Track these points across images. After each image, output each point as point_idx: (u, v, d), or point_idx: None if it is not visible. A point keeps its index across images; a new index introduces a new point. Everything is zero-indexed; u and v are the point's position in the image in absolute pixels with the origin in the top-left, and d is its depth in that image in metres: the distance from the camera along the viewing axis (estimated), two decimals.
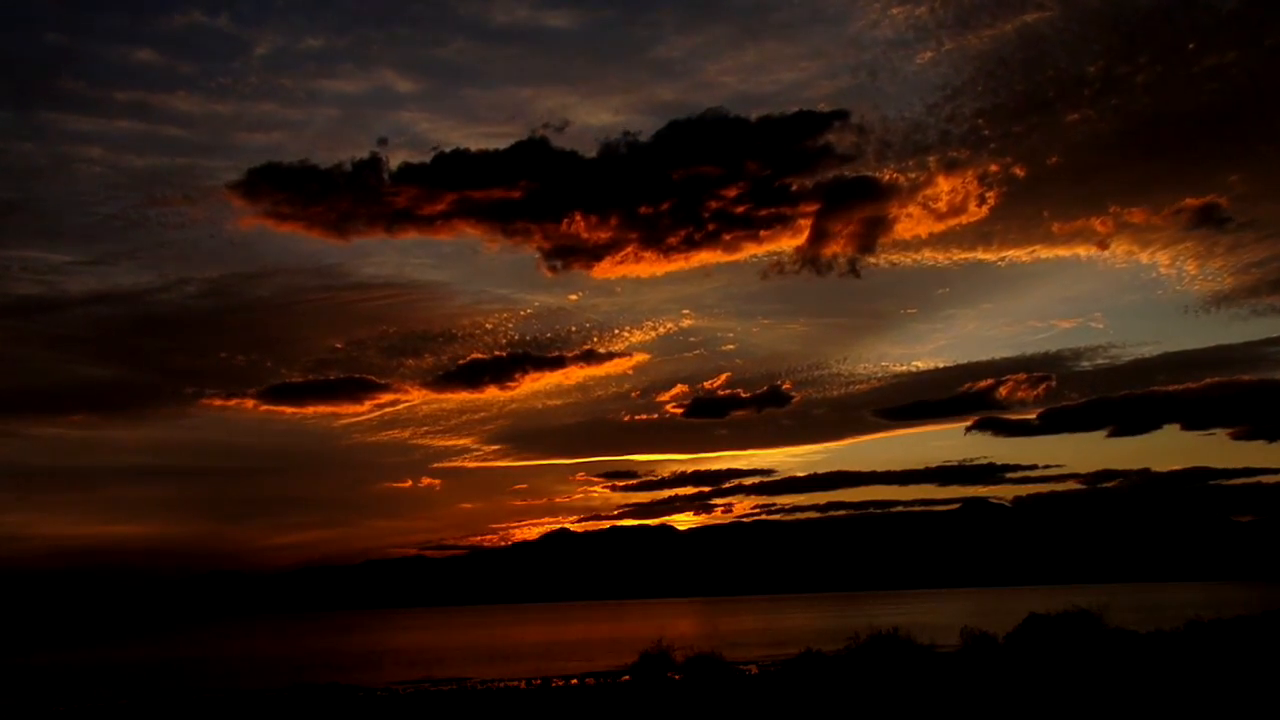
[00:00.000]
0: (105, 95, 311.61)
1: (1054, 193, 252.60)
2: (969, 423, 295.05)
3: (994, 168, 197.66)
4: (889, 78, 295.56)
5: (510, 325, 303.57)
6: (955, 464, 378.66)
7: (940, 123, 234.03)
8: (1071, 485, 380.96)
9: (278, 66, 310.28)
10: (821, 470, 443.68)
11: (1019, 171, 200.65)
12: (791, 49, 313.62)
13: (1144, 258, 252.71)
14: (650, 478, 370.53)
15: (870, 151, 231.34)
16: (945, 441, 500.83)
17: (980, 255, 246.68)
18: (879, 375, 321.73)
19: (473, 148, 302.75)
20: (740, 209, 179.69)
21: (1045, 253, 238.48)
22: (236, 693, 42.72)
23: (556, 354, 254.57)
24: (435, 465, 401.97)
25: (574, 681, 42.59)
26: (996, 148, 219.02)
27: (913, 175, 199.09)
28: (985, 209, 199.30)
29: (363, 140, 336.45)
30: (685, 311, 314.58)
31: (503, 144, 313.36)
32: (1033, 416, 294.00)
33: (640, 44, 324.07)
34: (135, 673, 66.12)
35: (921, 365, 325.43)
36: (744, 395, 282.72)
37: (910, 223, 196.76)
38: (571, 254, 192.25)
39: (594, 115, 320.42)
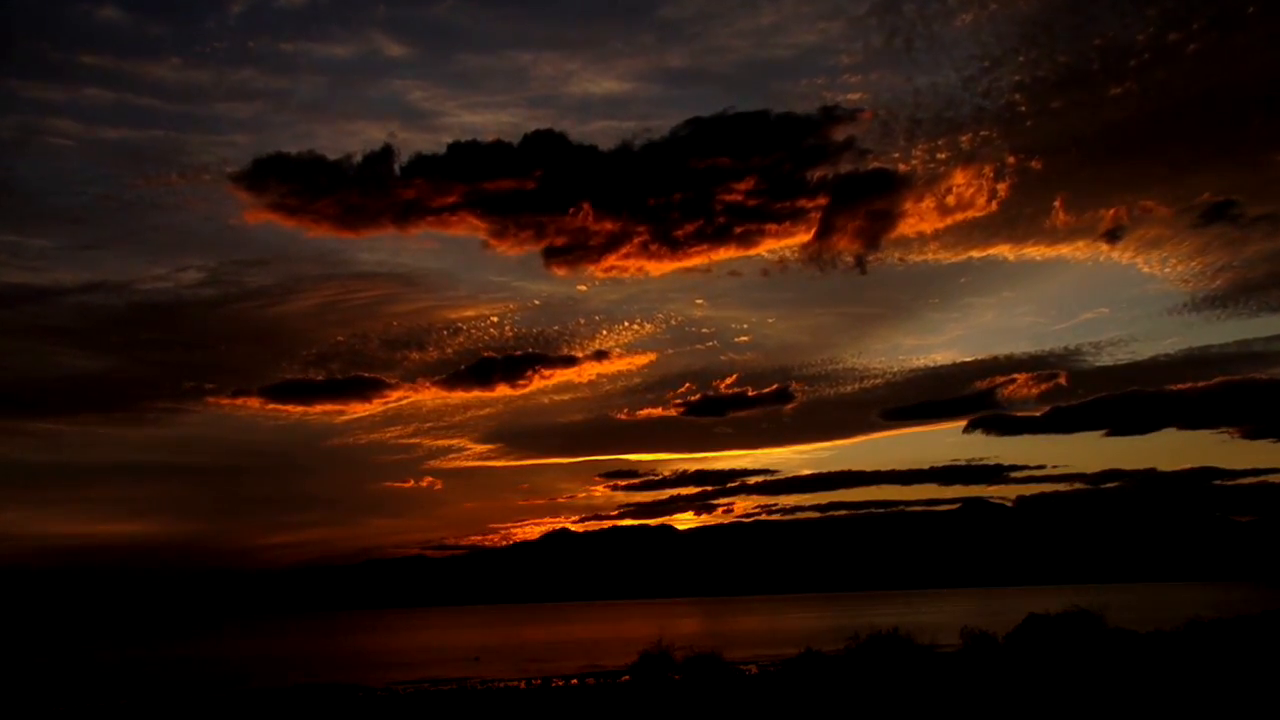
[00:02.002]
0: (70, 59, 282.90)
1: (1080, 183, 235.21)
2: (977, 420, 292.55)
3: (1011, 159, 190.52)
4: (924, 43, 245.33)
5: (518, 318, 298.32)
6: (963, 463, 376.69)
7: (975, 98, 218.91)
8: (1077, 485, 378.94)
9: (255, 27, 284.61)
10: (828, 469, 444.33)
11: (1040, 164, 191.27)
12: (811, 8, 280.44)
13: (1167, 251, 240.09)
14: (652, 477, 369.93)
15: (899, 131, 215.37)
16: (954, 439, 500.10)
17: (999, 247, 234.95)
18: (892, 370, 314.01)
19: (468, 118, 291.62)
20: (755, 202, 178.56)
21: (1066, 247, 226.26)
22: (236, 692, 42.71)
23: (563, 351, 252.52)
24: (436, 464, 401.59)
25: (574, 681, 42.59)
26: (1032, 126, 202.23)
27: (943, 156, 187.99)
28: (1004, 200, 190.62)
29: (353, 109, 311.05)
30: (699, 300, 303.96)
31: (500, 114, 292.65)
32: (1039, 414, 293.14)
33: (646, 4, 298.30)
34: (134, 673, 66.10)
35: (935, 360, 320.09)
36: (751, 394, 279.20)
37: (930, 215, 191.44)
38: (581, 247, 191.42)
39: (596, 83, 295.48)
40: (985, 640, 34.12)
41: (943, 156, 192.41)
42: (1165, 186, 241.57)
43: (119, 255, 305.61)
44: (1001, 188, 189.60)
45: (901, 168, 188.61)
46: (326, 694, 38.56)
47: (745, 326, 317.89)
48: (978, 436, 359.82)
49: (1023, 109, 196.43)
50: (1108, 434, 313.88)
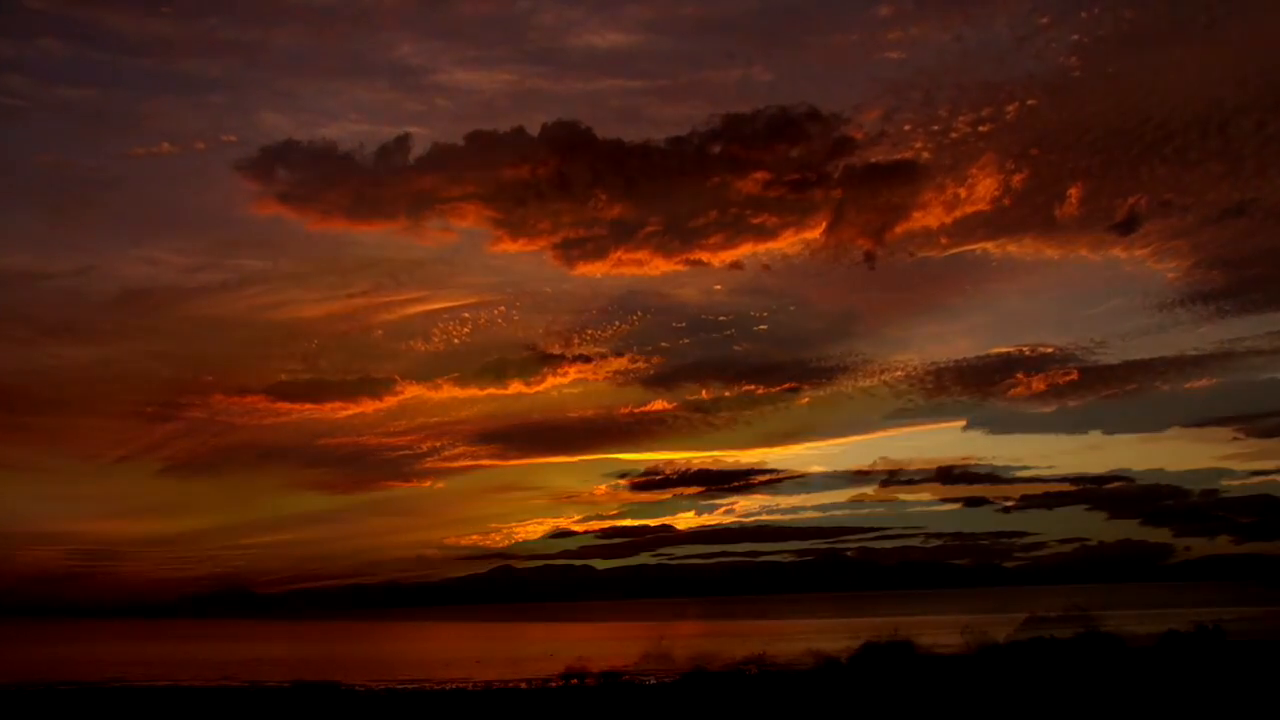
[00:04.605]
0: (15, 3, 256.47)
1: (1105, 171, 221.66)
2: (982, 419, 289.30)
3: (1035, 151, 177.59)
4: None
5: (527, 312, 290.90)
6: (973, 462, 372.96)
7: (1027, 60, 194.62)
8: (1083, 486, 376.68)
9: None
10: (835, 468, 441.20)
11: (1066, 153, 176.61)
12: None
13: (1187, 245, 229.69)
14: (655, 476, 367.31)
15: (941, 99, 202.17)
16: (960, 438, 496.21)
17: (1019, 239, 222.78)
18: (906, 366, 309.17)
19: (462, 75, 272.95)
20: (775, 194, 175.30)
21: (1085, 239, 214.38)
22: (239, 690, 42.78)
23: (573, 346, 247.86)
24: (437, 464, 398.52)
25: (573, 682, 42.59)
26: (1078, 98, 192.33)
27: (985, 129, 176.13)
28: (1028, 190, 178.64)
29: (336, 64, 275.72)
30: (713, 293, 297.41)
31: (498, 71, 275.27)
32: (1046, 412, 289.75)
33: None
34: (140, 668, 66.12)
35: (946, 356, 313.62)
36: (760, 392, 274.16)
37: (955, 205, 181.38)
38: (594, 240, 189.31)
39: (601, 35, 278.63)
40: (985, 641, 34.26)
41: (985, 130, 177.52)
42: (1193, 176, 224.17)
43: (105, 236, 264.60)
44: (1021, 178, 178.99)
45: (929, 153, 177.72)
46: (326, 692, 38.60)
47: (764, 315, 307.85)
48: (983, 435, 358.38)
49: (1076, 74, 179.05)
50: (1115, 434, 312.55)
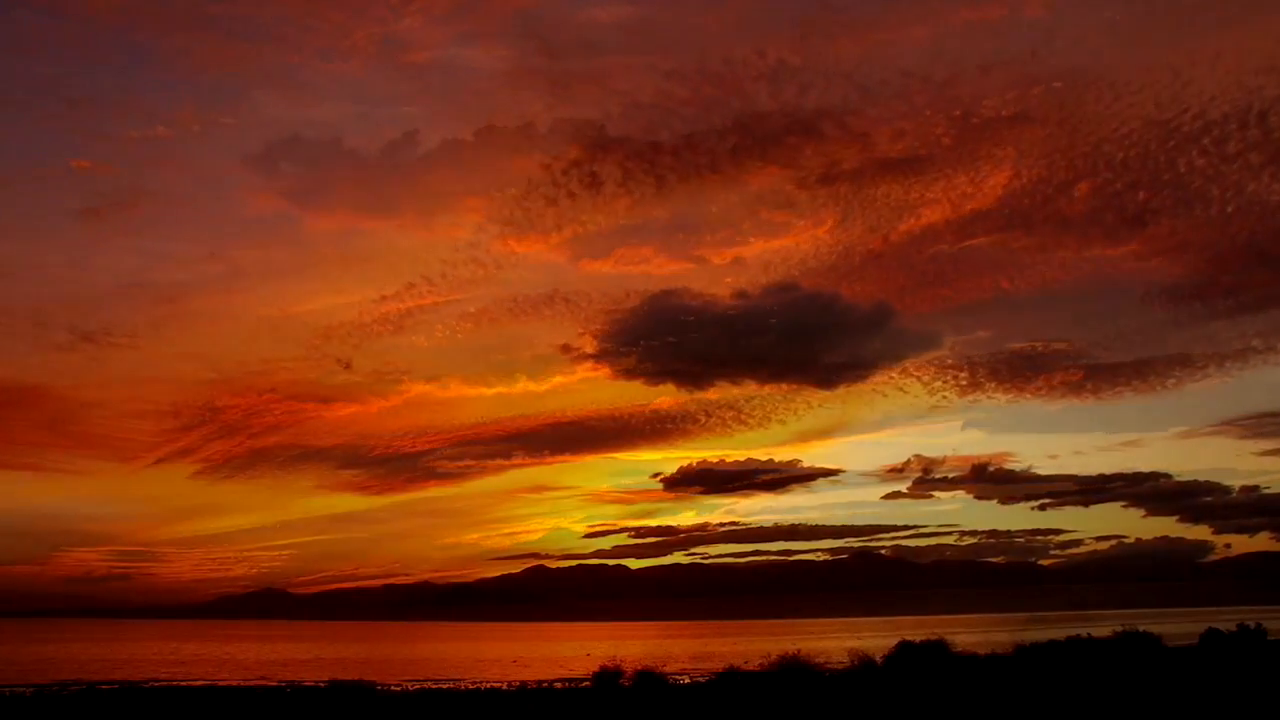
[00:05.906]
0: None
1: (1119, 166, 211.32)
2: (984, 419, 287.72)
3: (1059, 142, 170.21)
4: None
5: (532, 310, 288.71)
6: (988, 459, 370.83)
7: (1057, 42, 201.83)
8: (1087, 487, 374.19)
9: None
10: (843, 466, 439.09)
11: (1086, 145, 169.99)
12: None
13: (1198, 243, 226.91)
14: (663, 474, 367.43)
15: (965, 80, 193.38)
16: (964, 437, 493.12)
17: (1033, 233, 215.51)
18: (912, 365, 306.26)
19: (458, 51, 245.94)
20: (784, 190, 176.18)
21: (1095, 235, 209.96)
22: (276, 690, 43.21)
23: (582, 344, 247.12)
24: (445, 464, 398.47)
25: (585, 684, 42.62)
26: (1113, 85, 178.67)
27: (1008, 114, 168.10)
28: (1039, 183, 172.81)
29: (327, 41, 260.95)
30: (727, 280, 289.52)
31: (496, 48, 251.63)
32: (1052, 411, 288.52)
33: None
34: (179, 668, 66.97)
35: (963, 353, 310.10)
36: (768, 391, 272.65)
37: (966, 199, 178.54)
38: (604, 236, 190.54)
39: (602, 7, 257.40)
40: (1020, 641, 34.09)
41: (1008, 114, 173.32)
42: (1231, 168, 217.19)
43: (104, 228, 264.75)
44: (1040, 172, 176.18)
45: (949, 139, 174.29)
46: (358, 692, 38.89)
47: (774, 311, 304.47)
48: (996, 434, 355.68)
49: (1106, 57, 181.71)
50: (1119, 433, 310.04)
